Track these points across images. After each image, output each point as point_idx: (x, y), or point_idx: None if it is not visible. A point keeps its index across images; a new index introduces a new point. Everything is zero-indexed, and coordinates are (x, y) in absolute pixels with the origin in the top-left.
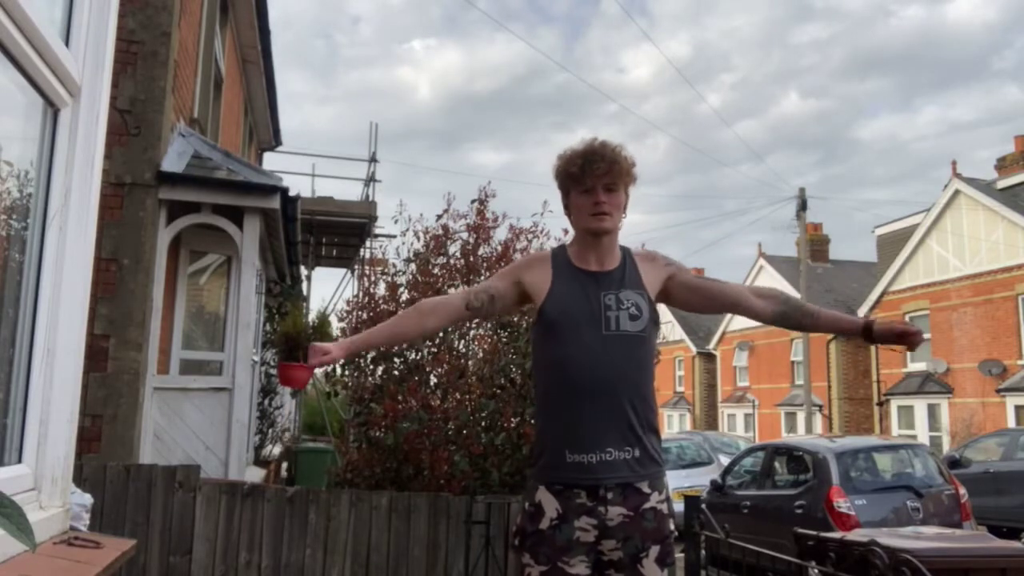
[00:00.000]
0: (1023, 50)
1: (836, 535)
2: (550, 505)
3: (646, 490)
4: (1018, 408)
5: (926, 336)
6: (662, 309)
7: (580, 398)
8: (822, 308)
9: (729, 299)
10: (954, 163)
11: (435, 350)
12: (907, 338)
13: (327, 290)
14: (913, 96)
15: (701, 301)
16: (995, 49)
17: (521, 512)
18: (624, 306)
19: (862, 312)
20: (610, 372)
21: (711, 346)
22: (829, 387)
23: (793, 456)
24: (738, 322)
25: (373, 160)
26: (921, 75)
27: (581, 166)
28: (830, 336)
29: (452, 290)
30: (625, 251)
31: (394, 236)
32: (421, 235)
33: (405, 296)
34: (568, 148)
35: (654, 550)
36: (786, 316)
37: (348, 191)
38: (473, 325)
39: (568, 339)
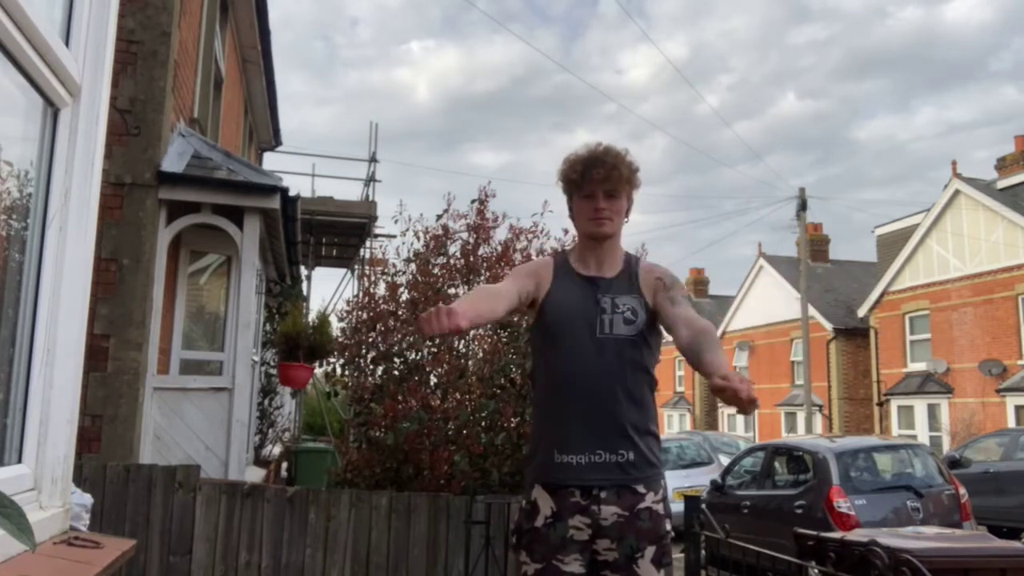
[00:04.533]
0: (1020, 51)
1: (836, 535)
2: (545, 503)
3: (641, 490)
4: (1018, 408)
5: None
6: None
7: (571, 399)
8: (711, 353)
9: (671, 323)
10: (954, 163)
11: (435, 350)
12: (734, 399)
13: (327, 290)
14: (910, 97)
15: (661, 322)
16: (992, 50)
17: (519, 510)
18: (619, 310)
19: (862, 312)
20: (601, 374)
21: None
22: (829, 387)
23: (793, 456)
24: (738, 322)
25: (373, 160)
26: (918, 76)
27: (581, 172)
28: (830, 336)
29: (452, 290)
30: (631, 258)
31: (394, 236)
32: (421, 235)
33: (405, 296)
34: (572, 153)
35: (650, 551)
36: (687, 351)
37: (348, 191)
38: None
39: (562, 341)
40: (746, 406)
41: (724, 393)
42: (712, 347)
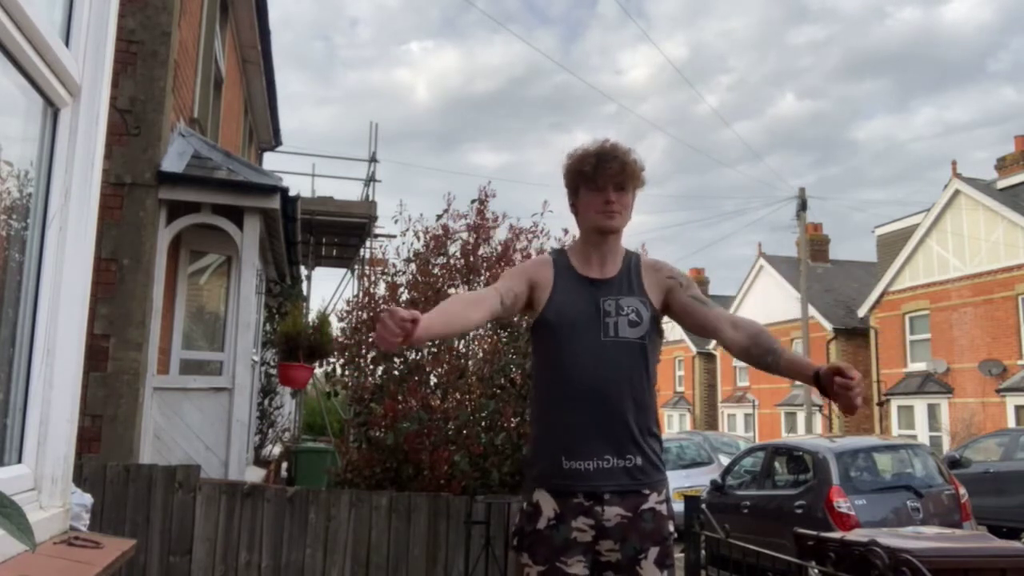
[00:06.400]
0: (1018, 52)
1: (836, 535)
2: (548, 505)
3: (645, 491)
4: (1018, 408)
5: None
6: None
7: (577, 404)
8: (787, 350)
9: (711, 325)
10: (954, 163)
11: (435, 350)
12: (843, 394)
13: (327, 290)
14: (909, 97)
15: (691, 324)
16: (990, 51)
17: (520, 512)
18: (624, 312)
19: (862, 312)
20: (608, 378)
21: (711, 346)
22: None
23: (793, 456)
24: None
25: (373, 160)
26: (917, 76)
27: (594, 164)
28: (830, 336)
29: (453, 290)
30: (631, 256)
31: (394, 236)
32: (421, 235)
33: (405, 296)
34: (579, 147)
35: (653, 552)
36: (749, 352)
37: (348, 191)
38: None
39: (566, 344)
40: (854, 407)
41: (848, 391)
42: (784, 347)
